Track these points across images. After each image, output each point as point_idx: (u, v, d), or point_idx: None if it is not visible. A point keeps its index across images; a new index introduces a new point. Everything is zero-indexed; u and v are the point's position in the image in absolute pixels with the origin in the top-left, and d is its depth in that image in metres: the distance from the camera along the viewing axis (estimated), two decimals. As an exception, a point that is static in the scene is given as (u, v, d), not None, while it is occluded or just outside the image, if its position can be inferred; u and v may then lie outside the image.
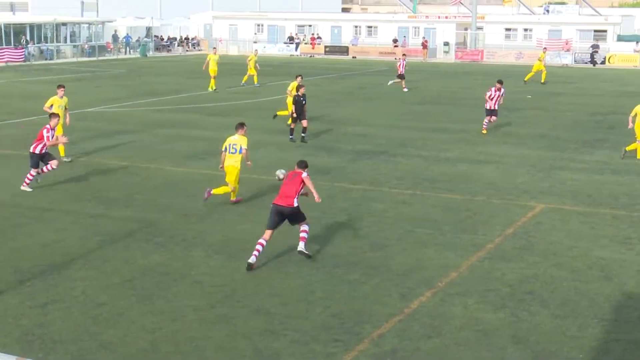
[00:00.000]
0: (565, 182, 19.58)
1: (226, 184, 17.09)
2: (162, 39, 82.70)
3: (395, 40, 76.24)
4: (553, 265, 13.16)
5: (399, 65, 42.21)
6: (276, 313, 10.96)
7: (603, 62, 64.41)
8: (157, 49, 79.80)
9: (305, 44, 78.76)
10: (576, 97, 39.66)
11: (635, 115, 22.72)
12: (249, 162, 16.96)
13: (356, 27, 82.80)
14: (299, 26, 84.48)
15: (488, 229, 15.32)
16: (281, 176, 14.35)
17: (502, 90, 27.35)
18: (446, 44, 74.26)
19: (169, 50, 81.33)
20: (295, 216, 13.30)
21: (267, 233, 13.11)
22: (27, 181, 18.17)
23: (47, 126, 18.46)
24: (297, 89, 25.42)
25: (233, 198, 17.28)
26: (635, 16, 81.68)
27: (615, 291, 11.95)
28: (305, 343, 9.99)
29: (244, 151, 16.62)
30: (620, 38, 68.17)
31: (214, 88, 41.15)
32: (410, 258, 13.48)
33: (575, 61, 65.43)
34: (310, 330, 10.36)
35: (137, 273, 12.56)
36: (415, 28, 79.48)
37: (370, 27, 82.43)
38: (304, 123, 25.17)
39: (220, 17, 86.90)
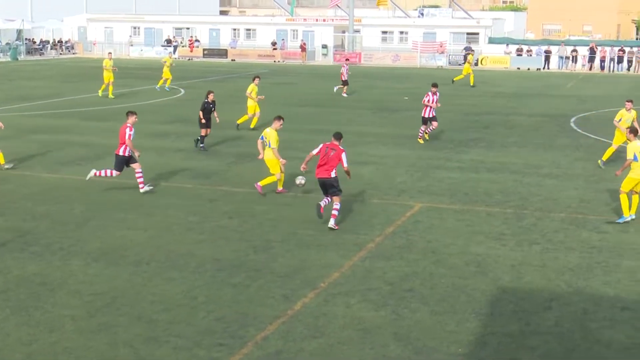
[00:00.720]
0: (443, 181, 20.13)
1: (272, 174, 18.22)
2: (34, 42, 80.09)
3: (274, 43, 76.49)
4: (432, 262, 13.51)
5: (342, 72, 42.08)
6: (159, 320, 10.81)
7: (476, 64, 66.50)
8: (28, 52, 77.19)
9: (183, 47, 77.96)
10: (451, 97, 40.76)
11: (621, 119, 22.12)
12: (282, 160, 18.07)
13: (235, 29, 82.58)
14: (176, 29, 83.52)
15: (369, 228, 15.58)
16: (302, 182, 17.22)
17: (437, 94, 25.86)
18: (324, 46, 75.03)
19: (41, 54, 78.80)
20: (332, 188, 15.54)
21: None
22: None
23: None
24: (207, 95, 24.55)
25: (280, 187, 18.46)
26: (505, 19, 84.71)
27: (490, 286, 12.37)
28: (188, 349, 9.90)
29: (272, 146, 17.87)
30: (492, 40, 70.56)
31: (105, 93, 39.38)
32: (293, 259, 13.56)
33: (449, 63, 67.30)
34: (194, 336, 10.28)
35: (11, 284, 12.14)
36: (294, 31, 79.93)
37: (249, 29, 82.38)
38: (208, 130, 24.59)
39: (95, 19, 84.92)
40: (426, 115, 25.70)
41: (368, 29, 77.18)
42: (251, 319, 10.86)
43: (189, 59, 74.31)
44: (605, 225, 15.99)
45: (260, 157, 18.32)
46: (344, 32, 75.81)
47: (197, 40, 78.64)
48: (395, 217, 16.49)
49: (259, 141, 18.31)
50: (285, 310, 11.21)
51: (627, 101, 22.33)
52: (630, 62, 62.54)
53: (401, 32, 77.09)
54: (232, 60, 73.16)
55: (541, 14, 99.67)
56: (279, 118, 18.39)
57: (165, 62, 43.16)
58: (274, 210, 16.98)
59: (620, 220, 16.18)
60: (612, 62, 62.97)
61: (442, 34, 73.24)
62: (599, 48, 64.33)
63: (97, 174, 18.23)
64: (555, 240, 14.95)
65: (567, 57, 64.39)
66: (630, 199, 16.26)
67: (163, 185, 19.43)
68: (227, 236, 14.99)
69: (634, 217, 16.25)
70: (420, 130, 25.96)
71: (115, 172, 18.14)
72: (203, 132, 24.47)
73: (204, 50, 76.05)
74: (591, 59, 63.91)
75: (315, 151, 16.05)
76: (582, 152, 24.64)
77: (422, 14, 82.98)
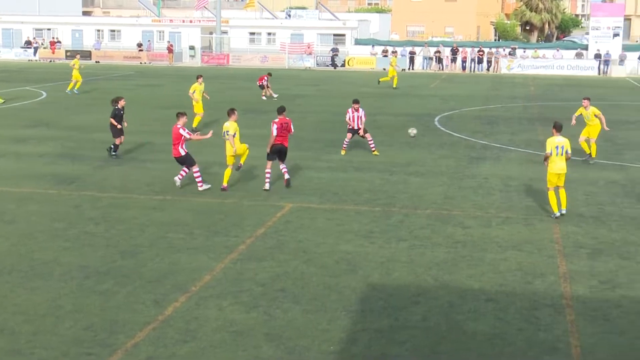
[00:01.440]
0: (312, 181, 20.31)
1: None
2: None
3: (139, 45, 75.14)
4: (303, 262, 13.62)
5: (260, 78, 41.50)
6: (22, 332, 10.43)
7: (343, 65, 67.49)
8: None
9: (45, 48, 75.47)
10: (320, 98, 41.24)
11: (580, 114, 23.44)
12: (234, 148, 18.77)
13: (98, 30, 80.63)
14: (36, 30, 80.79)
15: (239, 230, 15.55)
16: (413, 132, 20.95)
17: (361, 110, 24.25)
18: (192, 47, 74.28)
19: None
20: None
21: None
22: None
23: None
24: (116, 102, 23.41)
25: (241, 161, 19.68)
26: (370, 21, 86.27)
27: (360, 283, 12.58)
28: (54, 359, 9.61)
29: (230, 137, 18.73)
30: (358, 42, 71.75)
31: None
32: (163, 264, 13.38)
33: (317, 64, 68.01)
34: (60, 346, 9.97)
35: None
36: (160, 32, 78.80)
37: (114, 30, 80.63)
38: (122, 138, 23.60)
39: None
40: (351, 127, 24.30)
41: (236, 30, 77.00)
42: (120, 326, 10.63)
43: (51, 61, 72.02)
44: (469, 220, 16.55)
45: (234, 152, 18.89)
46: (211, 33, 75.32)
47: (58, 42, 76.27)
48: (265, 218, 16.52)
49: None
50: (155, 315, 11.04)
51: (584, 99, 23.47)
52: (489, 62, 64.96)
53: (269, 34, 77.31)
54: (96, 62, 71.39)
55: (405, 15, 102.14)
56: (233, 110, 19.17)
57: (74, 65, 42.63)
58: (142, 215, 16.69)
59: (552, 217, 16.72)
60: (472, 62, 65.24)
61: (309, 36, 73.92)
62: (460, 49, 66.54)
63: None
64: (421, 236, 15.36)
65: (431, 58, 66.26)
66: (557, 195, 16.83)
67: (25, 191, 18.77)
68: (93, 242, 14.63)
69: (564, 212, 16.81)
70: (345, 142, 24.64)
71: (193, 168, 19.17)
72: (117, 140, 23.48)
73: (66, 51, 73.82)
74: (453, 60, 66.00)
75: (274, 132, 18.89)
76: (445, 150, 25.40)
77: (290, 16, 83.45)
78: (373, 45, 69.76)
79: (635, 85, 52.95)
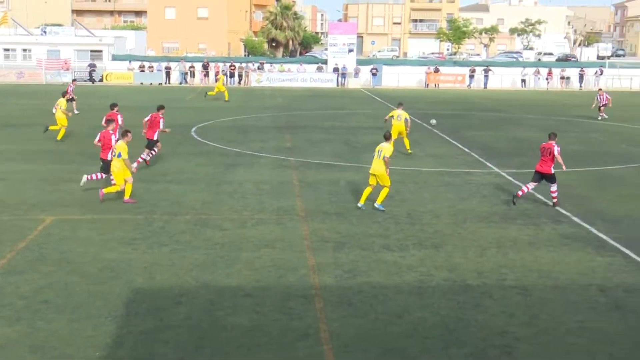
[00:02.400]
0: (74, 194, 19.50)
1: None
2: None
3: None
4: (66, 272, 13.04)
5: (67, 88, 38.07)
6: None
7: (101, 80, 65.44)
8: None
9: None
10: (85, 112, 39.67)
11: (392, 116, 26.43)
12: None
13: None
14: None
15: (-1, 245, 14.61)
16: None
17: (161, 116, 23.55)
18: (-57, 64, 68.65)
19: None
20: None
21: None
22: None
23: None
24: None
25: (127, 197, 18.48)
26: (126, 37, 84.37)
27: (125, 288, 12.27)
28: None
29: (122, 157, 18.21)
30: (115, 57, 69.85)
31: None
32: None
33: (74, 79, 65.28)
34: None
35: None
36: None
37: None
38: None
39: None
40: (154, 138, 23.50)
41: (-11, 46, 72.16)
42: None
43: None
44: (226, 223, 16.67)
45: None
46: (-37, 49, 70.04)
47: None
48: (27, 232, 15.63)
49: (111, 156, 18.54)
50: None
51: (399, 104, 27.10)
52: (240, 76, 65.80)
53: (24, 50, 73.23)
54: None
55: (160, 32, 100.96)
56: (128, 132, 18.85)
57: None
58: None
59: (361, 206, 18.22)
60: (225, 76, 65.75)
61: (66, 52, 70.89)
62: (213, 64, 66.84)
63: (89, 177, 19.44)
64: (182, 240, 15.26)
65: (186, 73, 65.97)
66: (375, 190, 18.28)
67: None
68: None
69: (363, 207, 18.19)
70: (147, 153, 23.62)
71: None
72: None
73: None
74: (206, 74, 66.18)
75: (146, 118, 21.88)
76: (202, 158, 25.40)
77: (45, 32, 79.54)
78: (130, 61, 68.28)
79: (368, 95, 55.95)
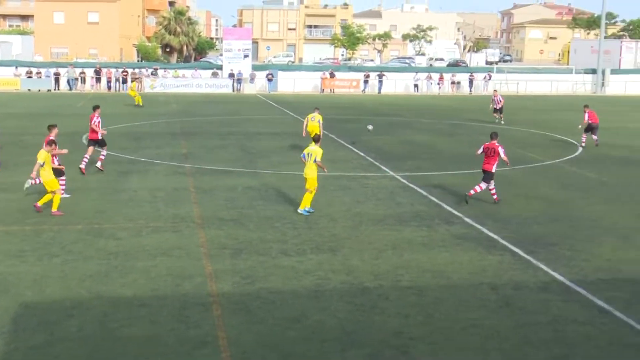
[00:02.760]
0: (-44, 205, 18.70)
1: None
2: None
3: None
4: (-51, 288, 12.47)
5: None
6: None
7: (-13, 87, 62.98)
8: None
9: None
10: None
11: (308, 119, 28.06)
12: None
13: None
14: None
15: None
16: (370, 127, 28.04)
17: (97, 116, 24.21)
18: None
19: None
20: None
21: None
22: None
23: None
24: None
25: (40, 203, 17.96)
26: (12, 42, 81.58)
27: (13, 303, 11.84)
28: None
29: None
30: (1, 63, 67.43)
31: None
32: None
33: (-43, 86, 62.64)
34: None
35: None
36: None
37: None
38: None
39: None
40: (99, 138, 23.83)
41: None
42: None
43: None
44: (121, 232, 16.33)
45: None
46: None
47: None
48: None
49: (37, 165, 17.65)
50: None
51: (315, 108, 29.09)
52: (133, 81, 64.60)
53: None
54: None
55: (48, 38, 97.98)
56: (53, 141, 18.29)
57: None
58: None
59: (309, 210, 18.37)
60: (117, 82, 64.45)
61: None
62: (105, 69, 65.41)
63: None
64: (74, 250, 14.85)
65: (76, 78, 64.30)
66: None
67: None
68: None
69: (300, 211, 18.28)
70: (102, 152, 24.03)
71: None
72: None
73: None
74: (98, 80, 64.69)
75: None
76: (94, 166, 24.74)
77: None
78: (17, 67, 65.99)
79: (264, 101, 55.98)
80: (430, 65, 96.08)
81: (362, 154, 28.57)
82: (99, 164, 23.77)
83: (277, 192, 20.87)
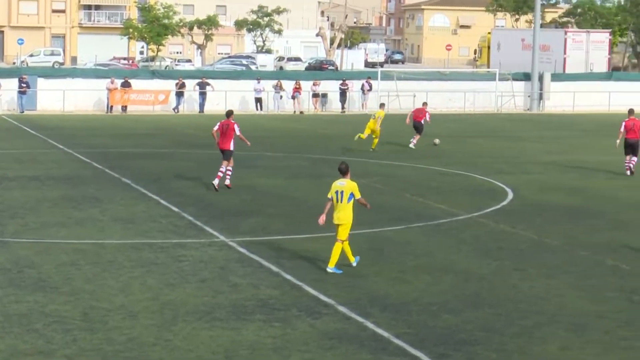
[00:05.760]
0: None
1: None
2: None
3: None
4: None
5: None
6: None
7: None
8: None
9: None
10: None
11: None
12: None
13: None
14: None
15: None
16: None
17: None
18: None
19: None
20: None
21: None
22: None
23: None
24: None
25: None
26: None
27: None
28: None
29: None
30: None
31: None
32: None
33: None
34: None
35: None
36: None
37: None
38: None
39: None
40: None
41: None
42: None
43: None
44: None
45: None
46: None
47: None
48: None
49: None
50: None
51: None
52: None
53: None
54: None
55: None
56: None
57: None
58: None
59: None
60: None
61: None
62: None
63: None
64: None
65: None
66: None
67: None
68: None
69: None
70: None
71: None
72: None
73: None
74: None
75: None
76: None
77: None
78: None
79: (14, 126, 54.65)
80: (280, 68, 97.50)
81: (175, 208, 28.22)
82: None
83: (38, 274, 20.23)
